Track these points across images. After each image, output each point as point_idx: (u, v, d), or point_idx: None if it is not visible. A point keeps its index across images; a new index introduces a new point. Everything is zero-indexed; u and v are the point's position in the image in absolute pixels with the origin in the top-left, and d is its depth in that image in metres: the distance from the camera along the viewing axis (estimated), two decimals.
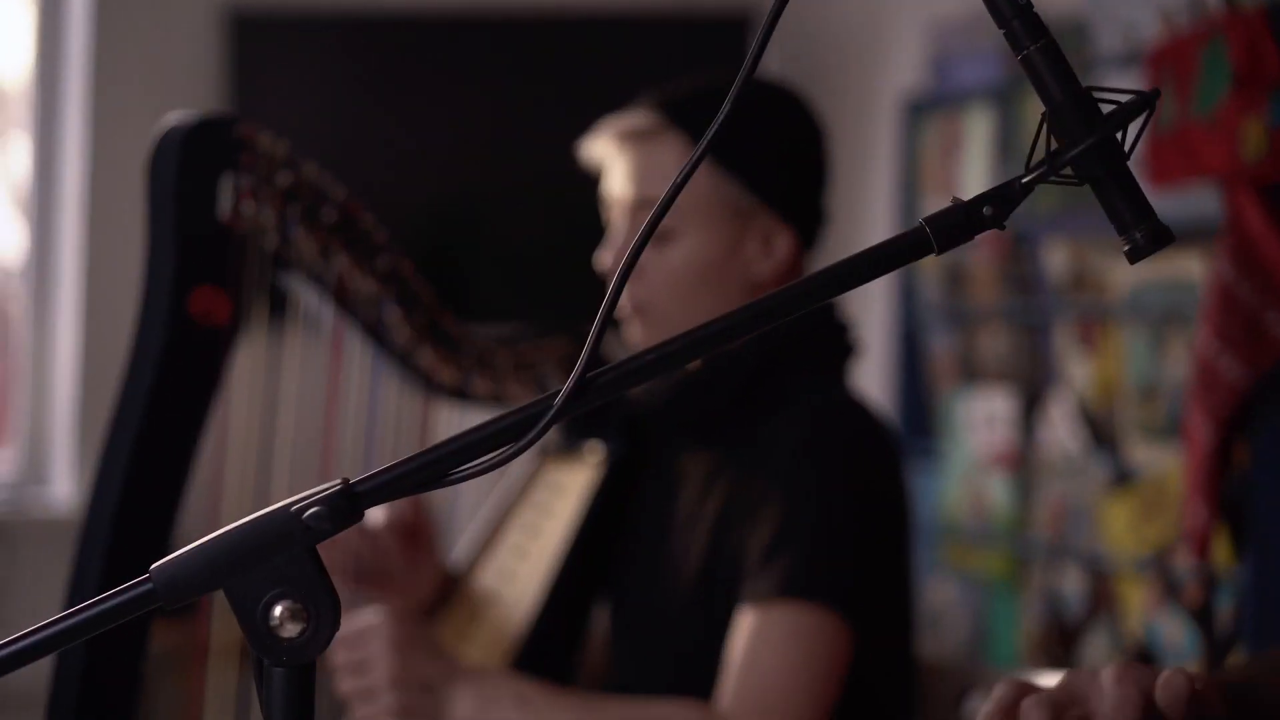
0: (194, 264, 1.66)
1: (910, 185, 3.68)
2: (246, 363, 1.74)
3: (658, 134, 1.86)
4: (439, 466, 1.02)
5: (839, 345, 1.91)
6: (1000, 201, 1.04)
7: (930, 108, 3.66)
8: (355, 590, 1.92)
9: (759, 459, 1.82)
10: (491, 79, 4.40)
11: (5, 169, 4.52)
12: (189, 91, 4.22)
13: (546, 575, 1.94)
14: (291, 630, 0.99)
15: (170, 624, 1.67)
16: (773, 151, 1.88)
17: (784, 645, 1.71)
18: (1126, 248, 1.06)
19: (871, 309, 3.79)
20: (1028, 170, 1.03)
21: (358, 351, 1.83)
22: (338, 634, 1.70)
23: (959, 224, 1.04)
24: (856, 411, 1.86)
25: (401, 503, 1.95)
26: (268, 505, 1.88)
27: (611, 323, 1.03)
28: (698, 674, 1.81)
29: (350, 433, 1.87)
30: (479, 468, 1.02)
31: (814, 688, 1.71)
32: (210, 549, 1.00)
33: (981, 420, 3.42)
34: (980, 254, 3.44)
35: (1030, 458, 3.29)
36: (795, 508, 1.76)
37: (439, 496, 2.02)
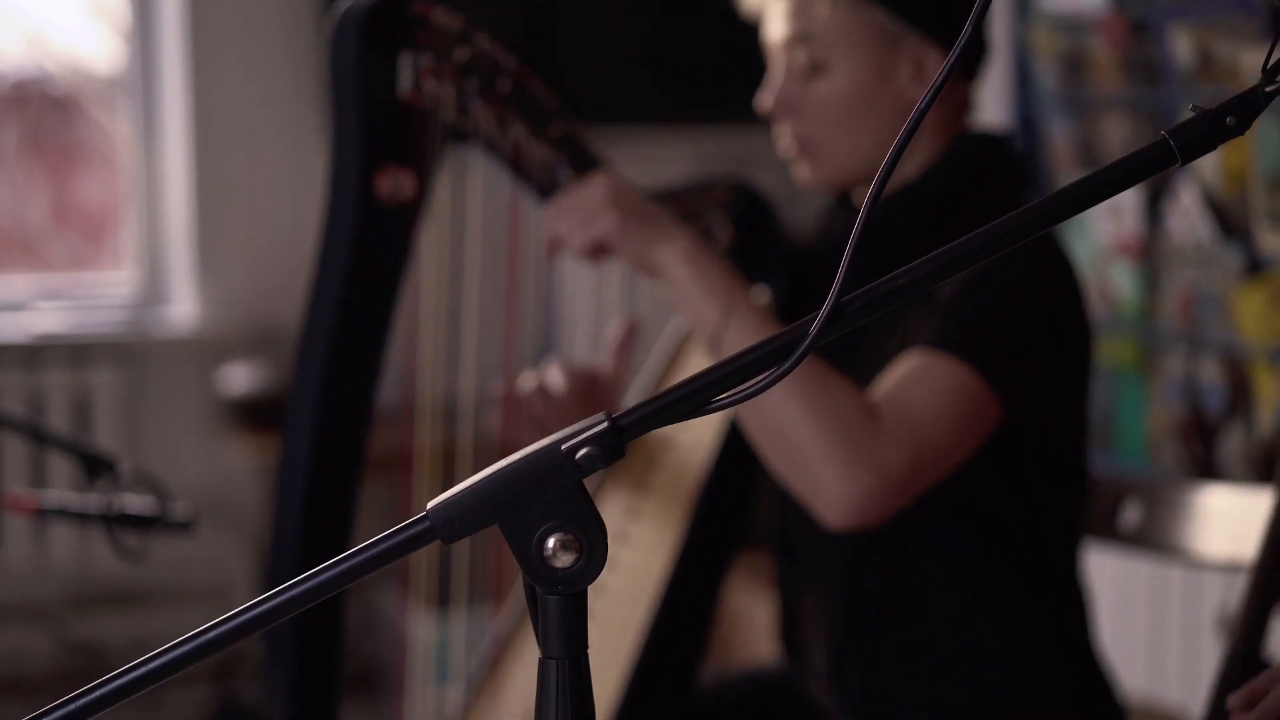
0: (378, 144, 1.70)
1: None
2: (431, 232, 1.78)
3: None
4: (699, 397, 1.05)
5: (1015, 179, 1.96)
6: (1243, 110, 1.05)
7: None
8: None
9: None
10: None
11: None
12: None
13: (721, 418, 1.98)
14: (565, 560, 1.03)
15: (379, 433, 1.74)
16: None
17: (933, 386, 1.76)
18: None
19: (988, 95, 3.76)
20: (1268, 78, 1.04)
21: (534, 215, 1.86)
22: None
23: (1203, 135, 1.05)
24: (1041, 237, 1.89)
25: (585, 368, 2.00)
26: (459, 373, 1.93)
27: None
28: (874, 535, 1.86)
29: (531, 292, 1.91)
30: (739, 395, 1.05)
31: (950, 430, 1.76)
32: (483, 487, 1.04)
33: (1105, 209, 3.41)
34: (1100, 40, 3.39)
35: (1156, 247, 3.29)
36: (976, 288, 1.81)
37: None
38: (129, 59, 4.32)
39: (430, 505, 1.04)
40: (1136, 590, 3.13)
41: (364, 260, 1.70)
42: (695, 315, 1.75)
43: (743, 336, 1.72)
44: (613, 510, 1.97)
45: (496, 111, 1.76)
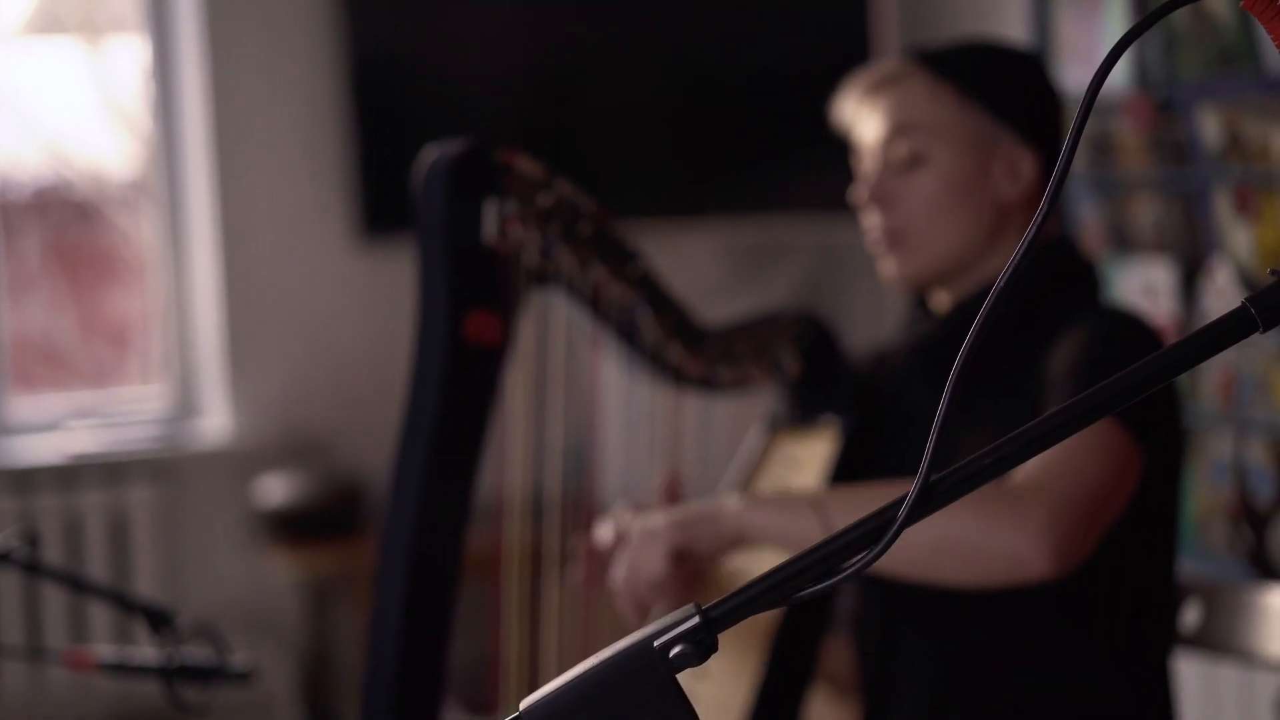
0: (466, 289, 1.75)
1: (1045, 54, 3.63)
2: (516, 371, 1.82)
3: (906, 76, 1.97)
4: (789, 585, 1.04)
5: (1090, 281, 2.00)
6: None
7: None
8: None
9: (1029, 380, 1.89)
10: None
11: (101, 74, 4.51)
12: None
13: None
14: None
15: (472, 531, 1.78)
16: (1014, 83, 2.00)
17: (1084, 446, 1.77)
18: None
19: None
20: None
21: (613, 352, 1.91)
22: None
23: None
24: (1130, 315, 1.95)
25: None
26: (543, 507, 1.95)
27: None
28: (969, 635, 1.87)
29: (612, 426, 1.94)
30: (830, 583, 1.04)
31: (1102, 491, 1.77)
32: (575, 686, 1.03)
33: (1139, 290, 3.40)
34: (1126, 122, 3.39)
35: (1193, 327, 3.27)
36: (1101, 344, 1.86)
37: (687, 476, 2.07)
38: (152, 165, 4.33)
39: (524, 705, 1.04)
40: (1190, 685, 3.11)
41: (453, 401, 1.74)
42: (796, 537, 1.75)
43: (849, 516, 1.74)
44: None
45: (578, 254, 1.81)
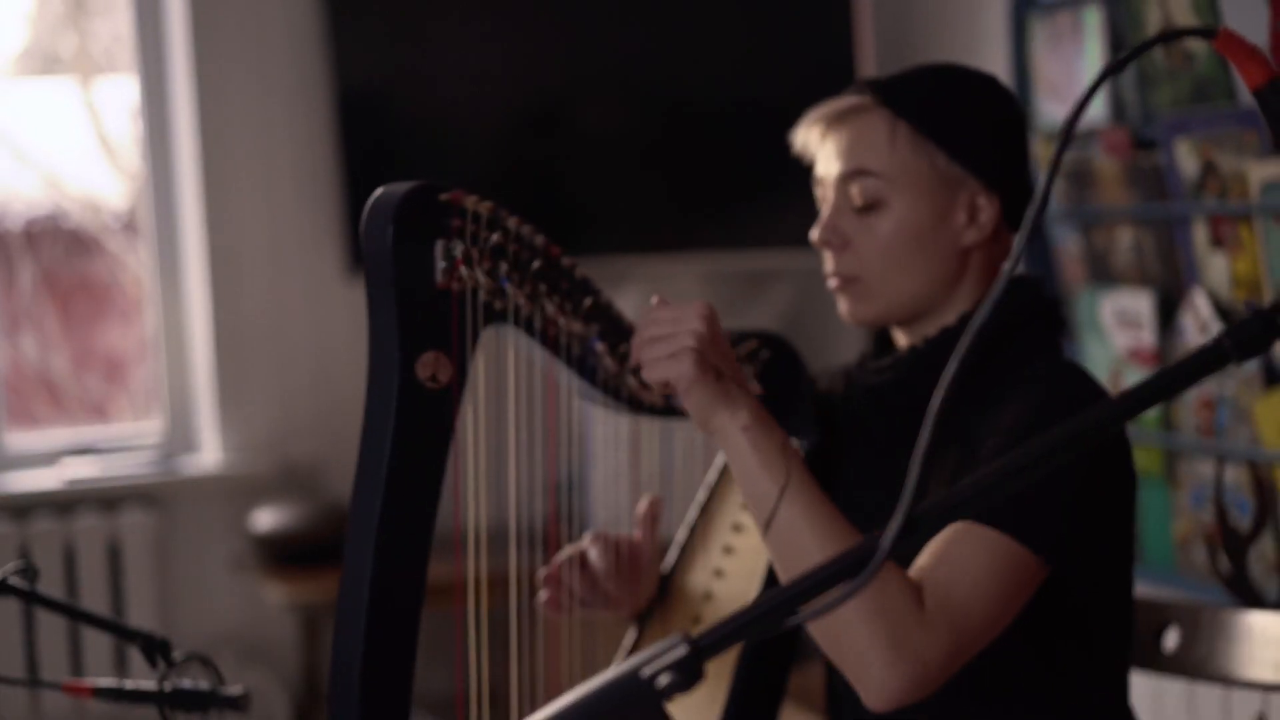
0: (416, 332, 1.71)
1: (1023, 88, 3.67)
2: (471, 408, 1.80)
3: (864, 111, 1.95)
4: (778, 613, 1.08)
5: (1052, 321, 1.99)
6: None
7: (1041, 5, 3.64)
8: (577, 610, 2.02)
9: (988, 422, 1.87)
10: None
11: (94, 112, 4.54)
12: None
13: (760, 570, 2.00)
14: None
15: (435, 560, 1.76)
16: (974, 123, 1.96)
17: (974, 562, 1.75)
18: None
19: None
20: None
21: (567, 383, 1.89)
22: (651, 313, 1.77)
23: (1258, 334, 1.08)
24: (1083, 375, 1.92)
25: (620, 540, 2.04)
26: (506, 539, 1.96)
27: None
28: None
29: (567, 457, 1.93)
30: (814, 613, 1.07)
31: (993, 605, 1.75)
32: (568, 714, 1.06)
33: (1118, 320, 3.44)
34: (1103, 153, 3.44)
35: (1172, 355, 3.32)
36: (1038, 416, 1.82)
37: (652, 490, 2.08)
38: (144, 201, 4.37)
39: None
40: (1170, 707, 3.14)
41: (407, 442, 1.72)
42: (750, 488, 1.75)
43: (793, 524, 1.72)
44: None
45: (529, 290, 1.79)
